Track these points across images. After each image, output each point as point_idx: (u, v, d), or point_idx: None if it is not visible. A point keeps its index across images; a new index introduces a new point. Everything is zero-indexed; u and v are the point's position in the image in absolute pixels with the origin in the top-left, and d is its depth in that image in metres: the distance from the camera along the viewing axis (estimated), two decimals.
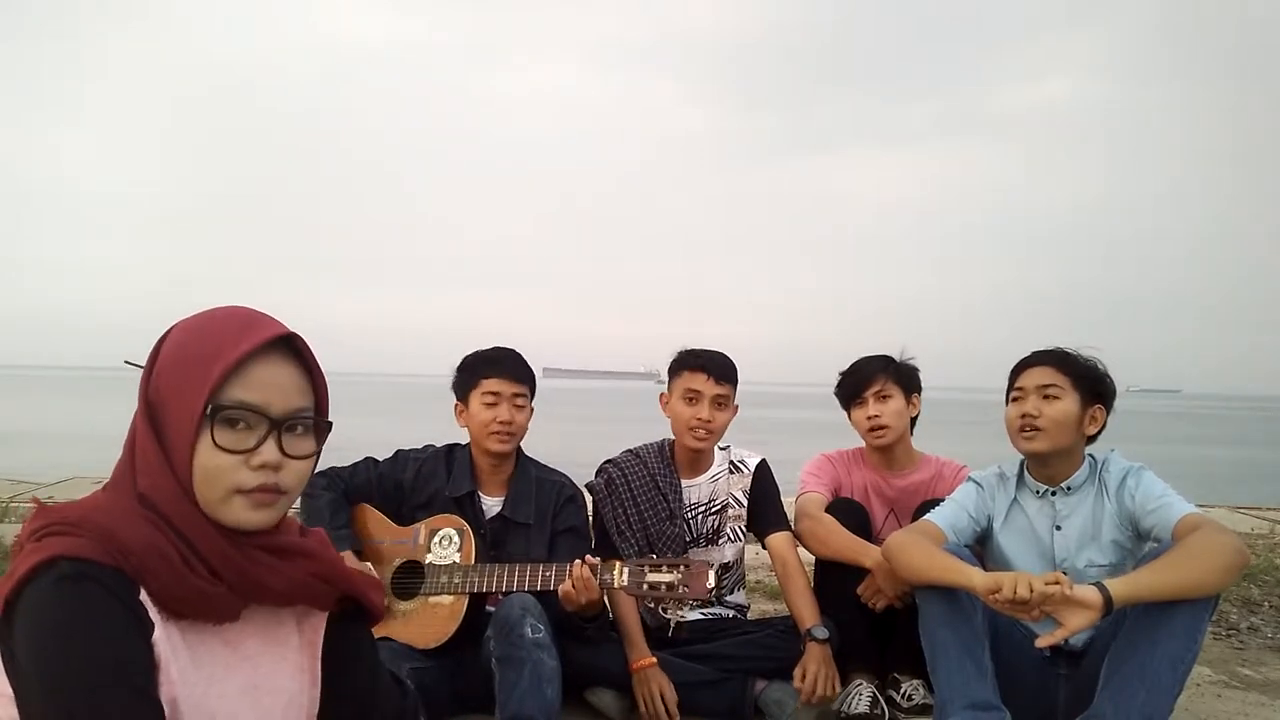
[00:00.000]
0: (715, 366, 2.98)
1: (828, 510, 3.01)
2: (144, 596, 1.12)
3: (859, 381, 3.12)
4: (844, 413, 3.23)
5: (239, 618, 1.22)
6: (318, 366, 1.27)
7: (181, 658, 1.16)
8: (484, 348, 2.90)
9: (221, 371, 1.15)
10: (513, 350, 2.89)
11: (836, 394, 3.21)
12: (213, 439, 1.16)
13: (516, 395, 2.79)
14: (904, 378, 3.13)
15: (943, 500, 2.87)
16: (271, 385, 1.19)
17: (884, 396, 3.08)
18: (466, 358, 2.89)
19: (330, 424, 1.28)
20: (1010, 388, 2.63)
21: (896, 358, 3.18)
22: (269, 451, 1.18)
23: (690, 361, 3.02)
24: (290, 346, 1.24)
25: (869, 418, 3.08)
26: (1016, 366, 2.64)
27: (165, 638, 1.14)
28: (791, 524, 3.06)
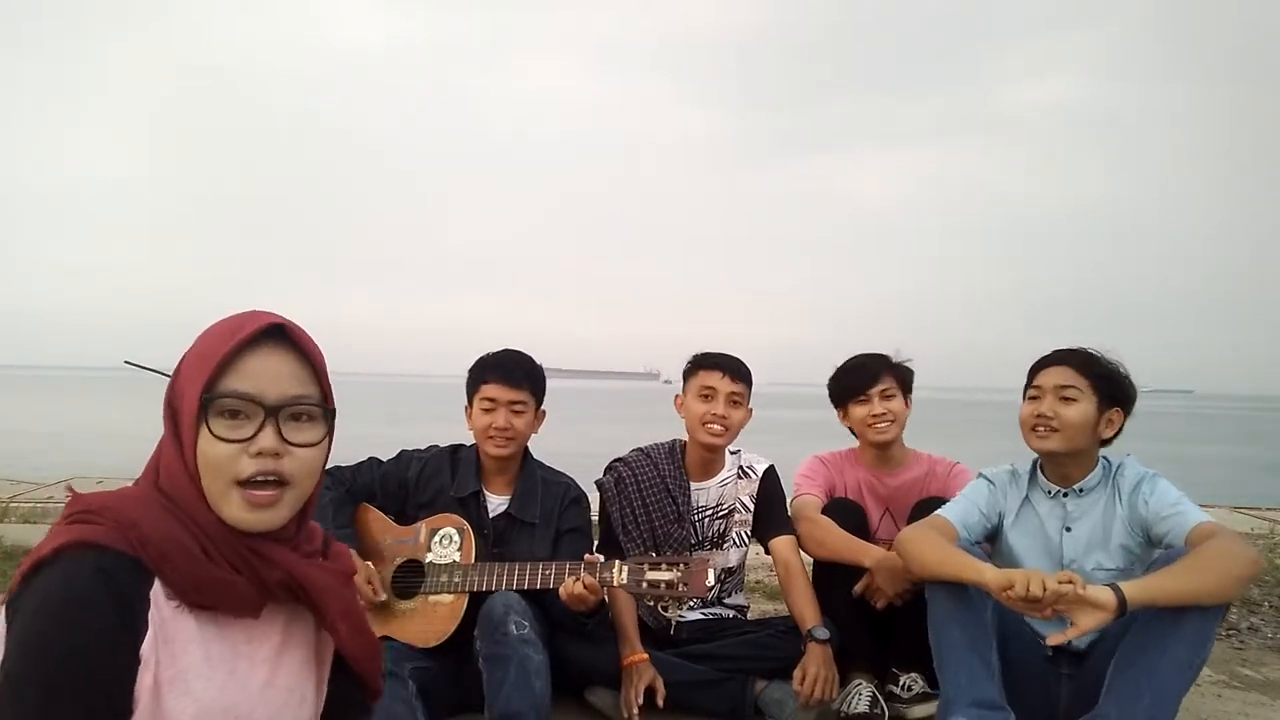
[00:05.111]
0: (730, 365, 3.00)
1: (825, 511, 3.01)
2: (157, 589, 1.14)
3: (864, 379, 3.09)
4: (837, 411, 3.20)
5: (260, 615, 1.24)
6: (317, 354, 1.28)
7: (200, 649, 1.17)
8: (494, 350, 2.88)
9: (215, 364, 1.18)
10: (519, 355, 2.86)
11: (833, 388, 3.17)
12: (210, 430, 1.18)
13: (514, 402, 2.77)
14: (904, 377, 3.13)
15: (939, 498, 2.86)
16: (264, 374, 1.21)
17: (889, 395, 3.07)
18: (476, 360, 2.88)
19: (333, 411, 1.29)
20: (1028, 385, 2.60)
21: (892, 357, 3.17)
22: (266, 438, 1.19)
23: (705, 361, 3.03)
24: (287, 337, 1.25)
25: (874, 415, 3.05)
26: (1036, 364, 2.61)
27: (177, 631, 1.15)
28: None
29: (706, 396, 2.98)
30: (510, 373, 2.79)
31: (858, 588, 2.82)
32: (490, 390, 2.77)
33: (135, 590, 1.12)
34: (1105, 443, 2.59)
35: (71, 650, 1.06)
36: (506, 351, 2.87)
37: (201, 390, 1.18)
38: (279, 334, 1.24)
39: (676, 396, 3.10)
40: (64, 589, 1.07)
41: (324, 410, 1.27)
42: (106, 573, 1.09)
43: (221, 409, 1.19)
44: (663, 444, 3.16)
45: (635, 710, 2.62)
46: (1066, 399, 2.50)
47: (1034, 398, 2.56)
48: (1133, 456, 2.60)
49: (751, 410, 3.07)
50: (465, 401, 2.88)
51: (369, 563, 2.65)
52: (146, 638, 1.11)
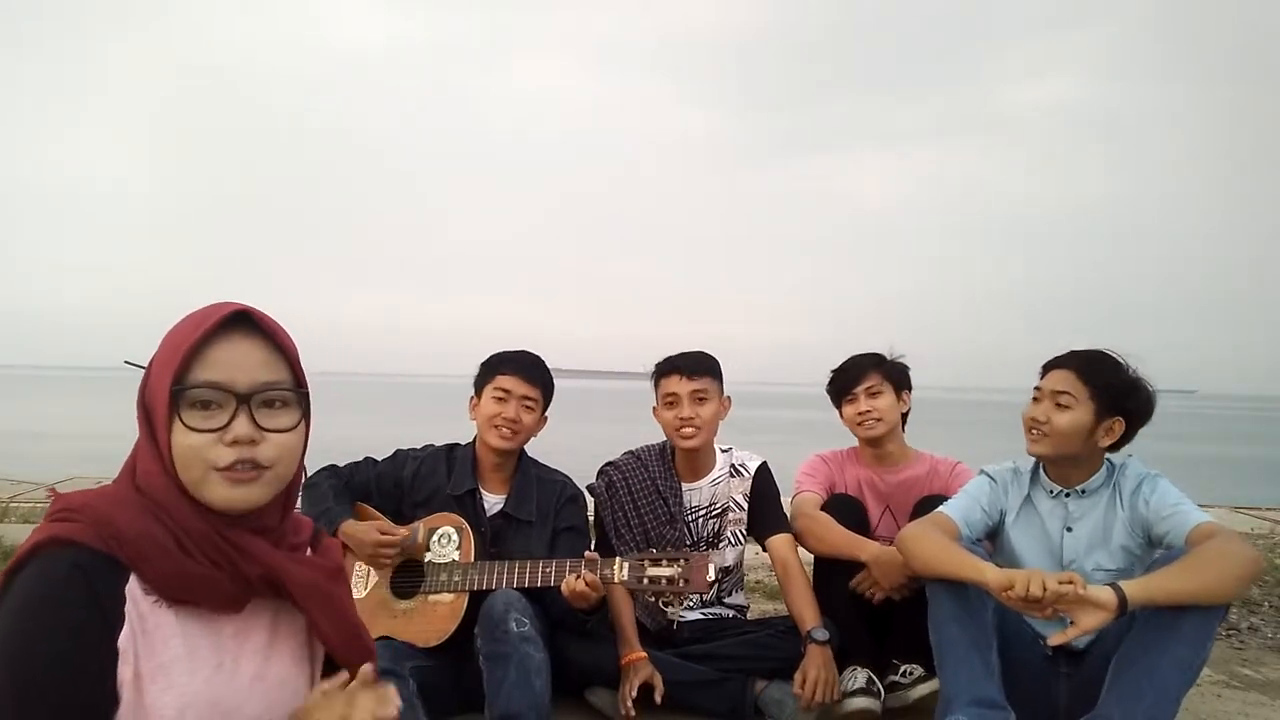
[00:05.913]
0: (686, 363, 2.98)
1: (826, 508, 3.02)
2: (133, 584, 1.14)
3: (850, 378, 3.14)
4: (836, 411, 3.23)
5: (243, 609, 1.23)
6: (286, 339, 1.27)
7: (182, 643, 1.17)
8: (509, 349, 2.92)
9: (183, 356, 1.18)
10: (536, 357, 2.91)
11: (828, 391, 3.23)
12: (183, 422, 1.18)
13: (526, 398, 2.81)
14: (894, 375, 3.16)
15: (939, 496, 2.87)
16: (233, 362, 1.21)
17: (875, 393, 3.10)
18: (493, 354, 2.91)
19: (306, 394, 1.28)
20: (1036, 385, 2.60)
21: (886, 356, 3.19)
22: (240, 426, 1.19)
23: (663, 367, 3.03)
24: (254, 324, 1.24)
25: (860, 413, 3.09)
26: (1046, 363, 2.61)
27: (156, 626, 1.15)
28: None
29: (670, 403, 2.97)
30: (527, 369, 2.84)
31: (853, 581, 2.83)
32: (505, 381, 2.81)
33: (110, 586, 1.12)
34: (1111, 449, 2.56)
35: (50, 647, 1.06)
36: (524, 351, 2.92)
37: (171, 383, 1.17)
38: (245, 321, 1.23)
39: (653, 407, 3.09)
40: (41, 586, 1.08)
41: (297, 394, 1.26)
42: (82, 569, 1.10)
43: (193, 400, 1.18)
44: (653, 445, 3.16)
45: (630, 706, 2.62)
46: (1061, 405, 2.50)
47: (1035, 399, 2.57)
48: (1135, 457, 2.59)
49: (728, 400, 3.07)
50: (472, 392, 2.90)
51: (374, 523, 2.67)
52: (123, 631, 1.12)
